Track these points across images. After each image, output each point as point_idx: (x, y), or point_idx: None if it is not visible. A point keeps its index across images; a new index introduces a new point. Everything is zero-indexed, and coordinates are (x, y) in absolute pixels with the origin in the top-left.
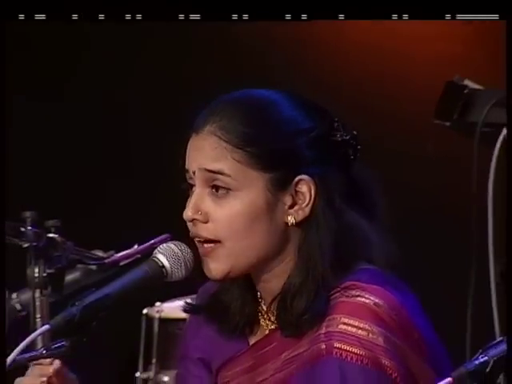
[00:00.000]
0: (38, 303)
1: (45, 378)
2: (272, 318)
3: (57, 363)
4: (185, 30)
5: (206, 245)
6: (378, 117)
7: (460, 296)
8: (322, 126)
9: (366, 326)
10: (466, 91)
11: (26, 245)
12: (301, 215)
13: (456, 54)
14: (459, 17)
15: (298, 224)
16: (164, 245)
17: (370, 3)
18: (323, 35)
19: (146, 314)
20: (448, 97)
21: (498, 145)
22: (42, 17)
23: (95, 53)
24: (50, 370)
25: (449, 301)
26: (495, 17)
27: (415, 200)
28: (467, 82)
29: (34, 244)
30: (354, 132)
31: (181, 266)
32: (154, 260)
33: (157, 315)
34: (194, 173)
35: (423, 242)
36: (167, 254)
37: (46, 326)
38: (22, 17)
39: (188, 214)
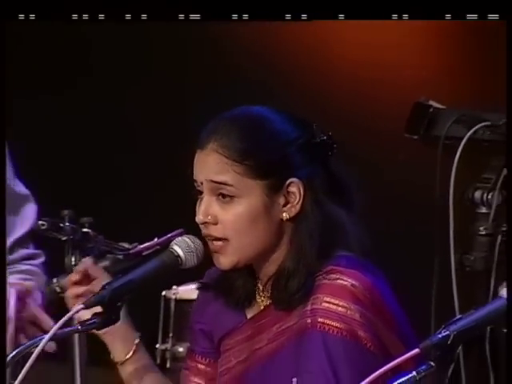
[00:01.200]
0: None
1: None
2: (267, 296)
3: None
4: (184, 30)
5: (215, 242)
6: (359, 132)
7: (425, 280)
8: (306, 133)
9: (345, 304)
10: (430, 110)
11: (64, 238)
12: (293, 212)
13: (422, 78)
14: (459, 17)
15: (290, 219)
16: (179, 238)
17: (370, 3)
18: (302, 46)
19: (164, 296)
20: (416, 115)
21: (457, 154)
22: (41, 17)
23: (95, 52)
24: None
25: (416, 284)
26: (495, 17)
27: (389, 199)
28: (432, 103)
29: (71, 237)
30: (329, 133)
31: (193, 256)
32: (171, 251)
33: (173, 297)
34: (201, 183)
35: (394, 235)
36: (182, 246)
37: (81, 306)
38: (21, 17)
39: (200, 218)
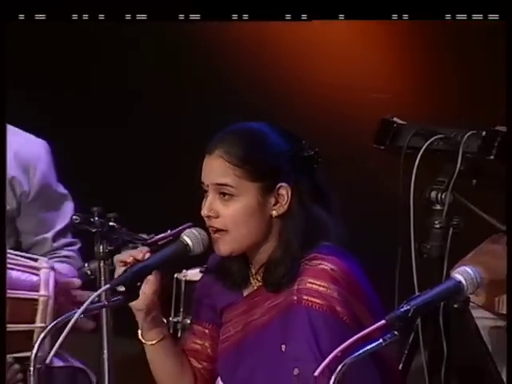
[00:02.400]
0: (102, 270)
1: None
2: (259, 279)
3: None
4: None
5: (217, 233)
6: (337, 145)
7: (391, 265)
8: (296, 147)
9: (325, 285)
10: (394, 125)
11: (94, 230)
12: (281, 210)
13: (388, 100)
14: (459, 17)
15: (279, 216)
16: (188, 230)
17: (370, 3)
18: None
19: (176, 278)
20: (382, 129)
21: (416, 161)
22: (42, 17)
23: (94, 52)
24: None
25: (383, 268)
26: (495, 17)
27: (362, 200)
28: (395, 119)
29: (100, 230)
30: (316, 149)
31: (199, 245)
32: (181, 240)
33: (183, 278)
34: (207, 185)
35: (366, 229)
36: (190, 236)
37: (107, 286)
38: (21, 17)
39: (204, 212)
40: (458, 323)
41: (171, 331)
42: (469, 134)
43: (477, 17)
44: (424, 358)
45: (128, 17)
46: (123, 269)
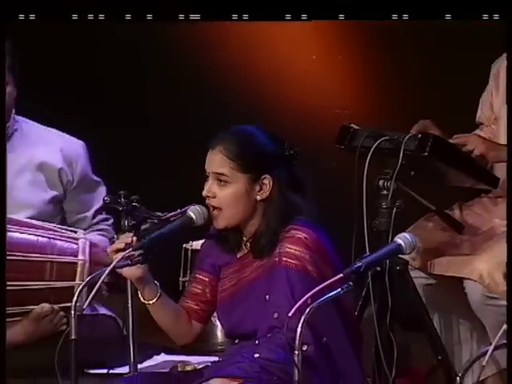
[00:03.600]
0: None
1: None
2: (248, 246)
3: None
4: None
5: (214, 210)
6: (309, 145)
7: (349, 236)
8: (279, 147)
9: (300, 249)
10: (351, 130)
11: (120, 208)
12: (264, 196)
13: (346, 115)
14: (459, 17)
15: (262, 200)
16: (192, 207)
17: (370, 3)
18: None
19: (184, 247)
20: (343, 132)
21: (368, 157)
22: (42, 17)
23: (95, 52)
24: (129, 239)
25: (344, 238)
26: (495, 17)
27: (327, 188)
28: (352, 125)
29: (125, 208)
30: (296, 149)
31: (201, 218)
32: (187, 215)
33: (190, 248)
34: (208, 173)
35: (331, 209)
36: (194, 212)
37: (130, 249)
38: (21, 17)
39: (205, 192)
40: (400, 281)
41: (180, 288)
42: (408, 136)
43: (477, 17)
44: (374, 308)
45: (128, 17)
46: (129, 249)
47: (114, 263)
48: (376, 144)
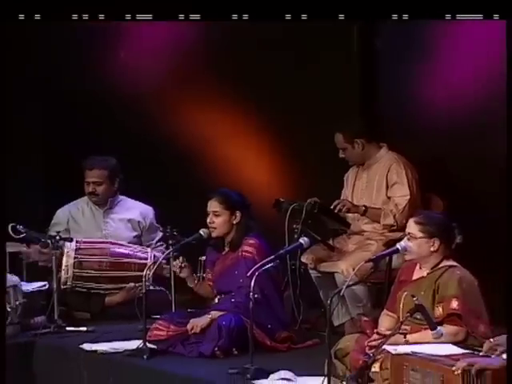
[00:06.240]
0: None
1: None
2: (228, 247)
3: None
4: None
5: (212, 229)
6: (261, 209)
7: (281, 244)
8: (243, 199)
9: (251, 249)
10: (281, 200)
11: (167, 234)
12: (236, 221)
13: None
14: (459, 17)
15: (235, 224)
16: (202, 229)
17: (370, 3)
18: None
19: (199, 259)
20: (277, 203)
21: (288, 213)
22: (42, 17)
23: (94, 52)
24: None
25: (277, 243)
26: (495, 17)
27: (272, 225)
28: (281, 199)
29: (168, 235)
30: (251, 203)
31: (206, 234)
32: (199, 233)
33: (202, 259)
34: (209, 211)
35: (271, 234)
36: (204, 231)
37: (172, 249)
38: (21, 17)
39: (208, 220)
40: (304, 275)
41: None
42: (307, 203)
43: (477, 17)
44: (291, 290)
45: (128, 17)
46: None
47: (166, 253)
48: (291, 207)
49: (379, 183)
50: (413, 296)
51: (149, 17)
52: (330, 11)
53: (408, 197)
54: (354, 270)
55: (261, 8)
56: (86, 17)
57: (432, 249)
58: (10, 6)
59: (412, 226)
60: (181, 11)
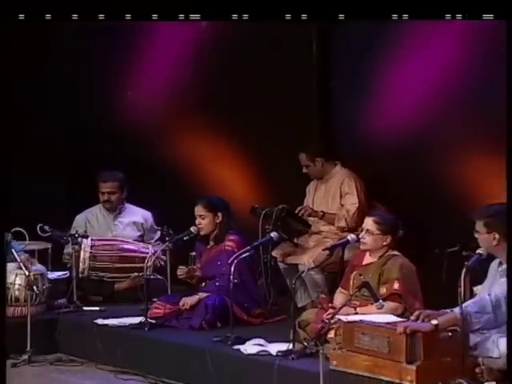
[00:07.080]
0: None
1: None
2: (213, 241)
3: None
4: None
5: (200, 228)
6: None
7: (255, 237)
8: (224, 202)
9: (232, 243)
10: (256, 207)
11: (165, 233)
12: (219, 221)
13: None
14: (459, 17)
15: (219, 223)
16: (192, 227)
17: (370, 3)
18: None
19: (190, 254)
20: (253, 210)
21: (261, 218)
22: (42, 17)
23: (94, 52)
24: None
25: (252, 239)
26: (485, 17)
27: (251, 227)
28: (256, 206)
29: (165, 234)
30: (229, 203)
31: (195, 231)
32: (190, 230)
33: (192, 254)
34: (197, 214)
35: (251, 232)
36: (193, 229)
37: (185, 234)
38: (21, 17)
39: (196, 222)
40: (274, 267)
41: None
42: (277, 208)
43: (476, 17)
44: (264, 279)
45: (128, 17)
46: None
47: (166, 244)
48: (264, 212)
49: (334, 193)
50: (360, 275)
51: (149, 17)
52: (330, 11)
53: (357, 204)
54: (312, 262)
55: (261, 8)
56: (85, 17)
57: (384, 243)
58: (9, 6)
59: (370, 224)
60: (181, 11)
